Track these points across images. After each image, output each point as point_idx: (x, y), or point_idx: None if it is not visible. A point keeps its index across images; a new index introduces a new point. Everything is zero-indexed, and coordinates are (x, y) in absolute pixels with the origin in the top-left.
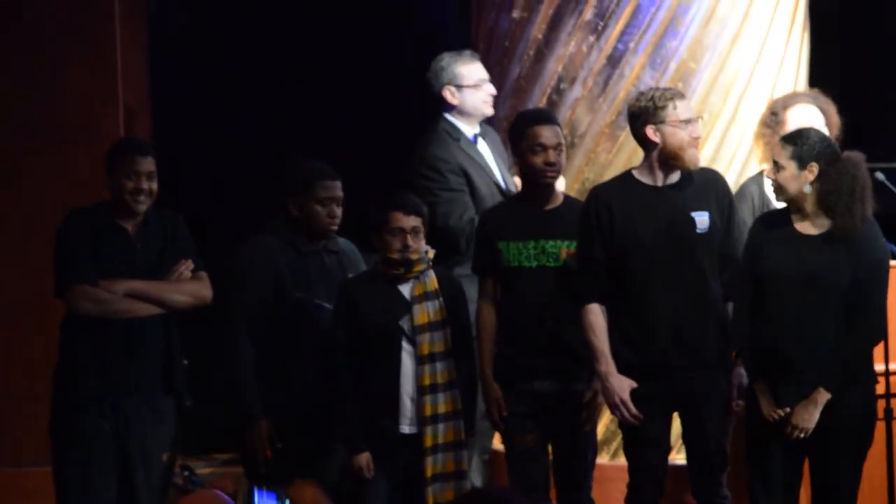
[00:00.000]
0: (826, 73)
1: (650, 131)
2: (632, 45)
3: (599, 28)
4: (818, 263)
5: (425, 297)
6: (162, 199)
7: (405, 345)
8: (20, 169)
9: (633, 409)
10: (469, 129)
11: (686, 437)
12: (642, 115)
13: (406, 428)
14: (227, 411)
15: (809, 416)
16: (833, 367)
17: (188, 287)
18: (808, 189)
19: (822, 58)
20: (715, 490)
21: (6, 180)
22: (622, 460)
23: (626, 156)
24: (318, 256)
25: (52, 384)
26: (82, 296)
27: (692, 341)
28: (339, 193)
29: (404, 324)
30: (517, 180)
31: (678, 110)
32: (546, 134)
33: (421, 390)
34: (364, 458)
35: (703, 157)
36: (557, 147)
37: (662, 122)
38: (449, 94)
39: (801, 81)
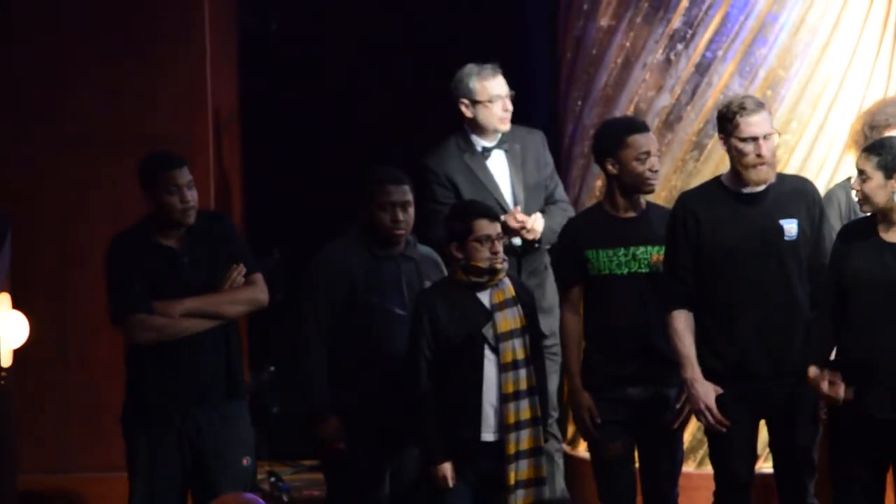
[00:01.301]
0: None
1: (722, 142)
2: (720, 53)
3: (688, 36)
4: None
5: (506, 304)
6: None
7: (487, 353)
8: (110, 176)
9: (718, 415)
10: (483, 141)
11: (773, 446)
12: (721, 123)
13: (488, 436)
14: (295, 410)
15: None
16: None
17: (242, 295)
18: None
19: None
20: (802, 498)
21: (97, 186)
22: (708, 468)
23: (714, 164)
24: (394, 262)
25: (122, 400)
26: (139, 327)
27: (778, 349)
28: (405, 198)
29: (486, 332)
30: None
31: (745, 125)
32: (648, 141)
33: (504, 398)
34: (447, 468)
35: (792, 166)
36: (657, 154)
37: (730, 135)
38: (463, 108)
39: (892, 90)
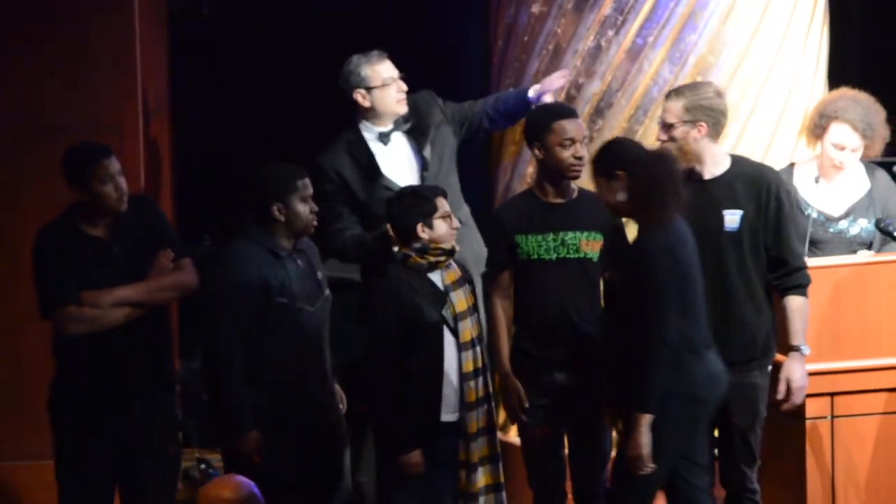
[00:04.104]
0: (845, 67)
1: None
2: (651, 39)
3: (618, 22)
4: None
5: (458, 283)
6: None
7: (446, 333)
8: (35, 166)
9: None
10: (380, 128)
11: (720, 431)
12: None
13: (446, 416)
14: (215, 419)
15: None
16: None
17: (171, 281)
18: (622, 196)
19: (841, 51)
20: (742, 483)
21: (22, 176)
22: None
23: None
24: (293, 259)
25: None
26: (69, 318)
27: (718, 337)
28: (312, 190)
29: (445, 312)
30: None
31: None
32: (574, 128)
33: (464, 377)
34: (417, 455)
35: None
36: (584, 140)
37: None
38: (360, 98)
39: (820, 76)
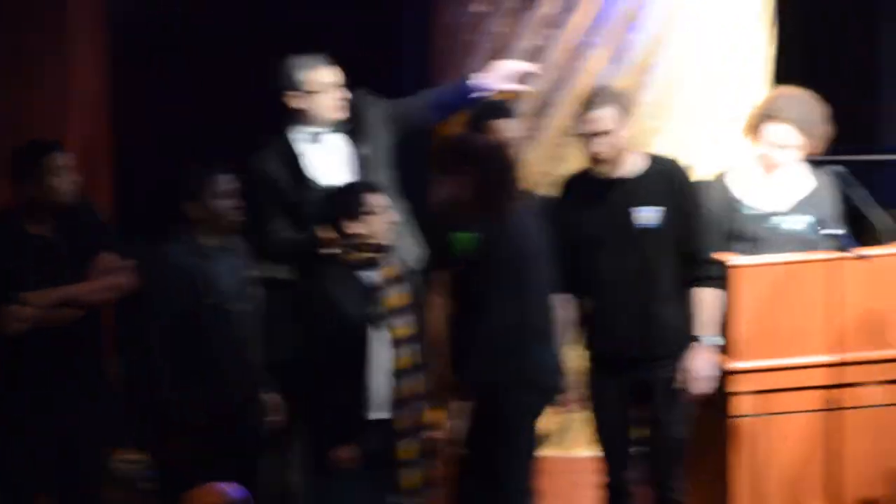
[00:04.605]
0: (790, 68)
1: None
2: (592, 38)
3: (560, 22)
4: None
5: (394, 280)
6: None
7: (377, 330)
8: None
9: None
10: (315, 128)
11: (645, 428)
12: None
13: (376, 413)
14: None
15: None
16: None
17: (110, 282)
18: (466, 191)
19: (787, 51)
20: (669, 480)
21: None
22: (571, 452)
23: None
24: (222, 257)
25: None
26: (10, 317)
27: (639, 334)
28: (235, 185)
29: (376, 309)
30: None
31: (584, 122)
32: (506, 128)
33: (395, 374)
34: (345, 452)
35: (663, 152)
36: (518, 140)
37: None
38: (293, 100)
39: (765, 76)
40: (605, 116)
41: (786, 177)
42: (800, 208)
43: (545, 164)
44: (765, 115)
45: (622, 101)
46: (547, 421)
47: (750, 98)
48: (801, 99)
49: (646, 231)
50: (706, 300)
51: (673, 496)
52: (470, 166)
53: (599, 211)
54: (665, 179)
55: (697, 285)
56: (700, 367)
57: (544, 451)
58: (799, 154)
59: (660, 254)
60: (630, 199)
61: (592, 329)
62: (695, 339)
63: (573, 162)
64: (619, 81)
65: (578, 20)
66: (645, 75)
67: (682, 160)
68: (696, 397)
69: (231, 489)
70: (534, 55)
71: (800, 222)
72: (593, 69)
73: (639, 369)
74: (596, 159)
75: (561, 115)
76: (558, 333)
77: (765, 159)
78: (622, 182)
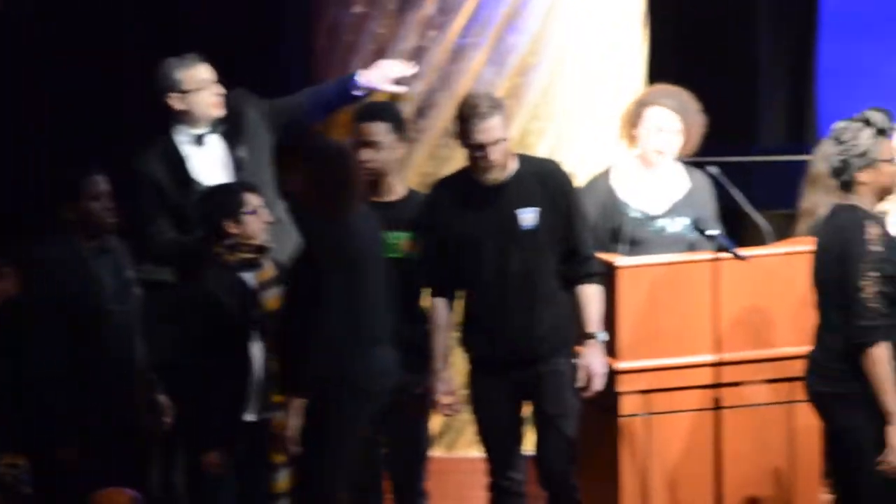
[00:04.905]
0: (664, 66)
1: (458, 140)
2: (473, 40)
3: (441, 23)
4: None
5: (270, 283)
6: None
7: (253, 332)
8: None
9: (453, 403)
10: (196, 130)
11: (534, 426)
12: (456, 121)
13: (249, 416)
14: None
15: None
16: None
17: None
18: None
19: (660, 52)
20: (561, 479)
21: None
22: (459, 453)
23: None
24: (100, 259)
25: None
26: None
27: (523, 335)
28: (109, 186)
29: (253, 311)
30: None
31: (474, 132)
32: (368, 131)
33: (270, 377)
34: (217, 455)
35: (543, 153)
36: (374, 145)
37: (461, 137)
38: (174, 101)
39: (640, 77)
40: (496, 125)
41: (664, 177)
42: (676, 210)
43: (427, 165)
44: (642, 103)
45: (503, 107)
46: (434, 422)
47: (629, 97)
48: (677, 90)
49: (525, 232)
50: (592, 297)
51: (567, 494)
52: (307, 167)
53: (477, 213)
54: (538, 180)
55: (581, 282)
56: (597, 363)
57: (433, 452)
58: (678, 140)
59: (539, 254)
60: (507, 201)
61: (474, 330)
62: (588, 336)
63: (455, 163)
64: (499, 82)
65: (459, 21)
66: (525, 76)
67: (558, 159)
68: (593, 394)
69: (132, 493)
70: (415, 56)
71: (678, 224)
72: (474, 70)
73: (524, 369)
74: (487, 167)
75: (442, 116)
76: (391, 336)
77: (645, 148)
78: (499, 185)
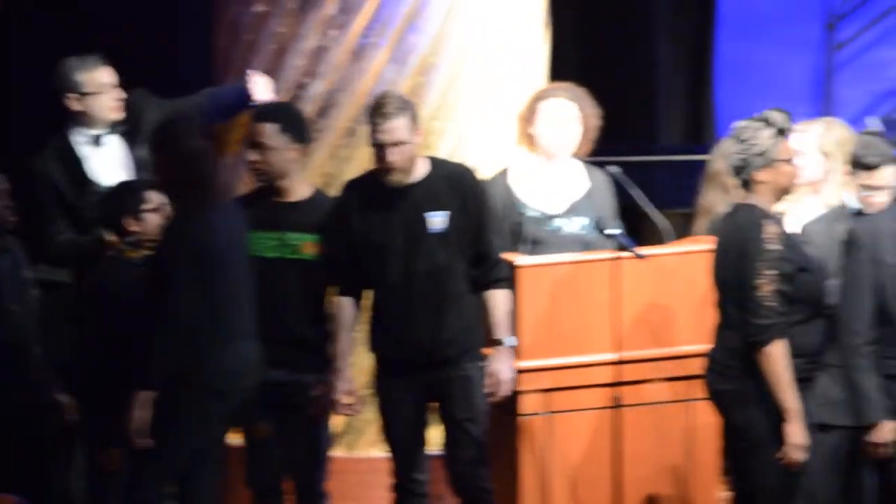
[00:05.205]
0: (564, 67)
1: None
2: (374, 39)
3: (341, 22)
4: None
5: None
6: None
7: None
8: None
9: (352, 403)
10: (94, 130)
11: (443, 430)
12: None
13: None
14: None
15: None
16: None
17: None
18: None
19: (560, 52)
20: (473, 483)
21: None
22: (359, 453)
23: (367, 150)
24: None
25: None
26: None
27: (430, 337)
28: (7, 185)
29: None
30: None
31: (377, 132)
32: (253, 130)
33: None
34: (116, 453)
35: (443, 153)
36: (262, 145)
37: (370, 135)
38: (72, 102)
39: (541, 76)
40: (399, 126)
41: (563, 177)
42: (576, 210)
43: (328, 165)
44: (536, 98)
45: (413, 109)
46: (336, 420)
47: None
48: (570, 84)
49: (434, 235)
50: (500, 302)
51: (479, 497)
52: (163, 163)
53: (386, 215)
54: (449, 183)
55: (490, 287)
56: (505, 368)
57: (334, 452)
58: (577, 130)
59: (448, 257)
60: (416, 204)
61: (381, 331)
62: (496, 341)
63: (357, 163)
64: (400, 82)
65: (360, 21)
66: (426, 76)
67: (466, 161)
68: (500, 399)
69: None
70: (316, 56)
71: (577, 224)
72: (375, 70)
73: (431, 371)
74: (389, 169)
75: (343, 116)
76: (253, 334)
77: (544, 143)
78: (408, 187)
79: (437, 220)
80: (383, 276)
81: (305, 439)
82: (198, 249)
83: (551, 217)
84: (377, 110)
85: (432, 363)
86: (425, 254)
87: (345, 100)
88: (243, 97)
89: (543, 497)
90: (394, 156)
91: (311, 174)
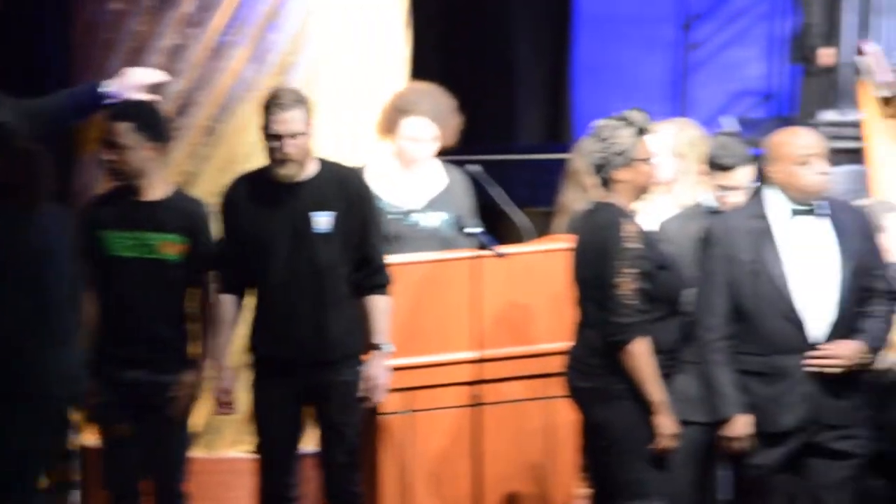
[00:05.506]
0: (425, 66)
1: (261, 134)
2: (233, 38)
3: (200, 21)
4: None
5: None
6: None
7: None
8: None
9: (228, 401)
10: None
11: (319, 433)
12: (261, 112)
13: None
14: None
15: None
16: None
17: None
18: None
19: (421, 52)
20: (345, 486)
21: None
22: (219, 453)
23: (228, 149)
24: None
25: None
26: None
27: (311, 339)
28: None
29: None
30: None
31: (272, 122)
32: (109, 131)
33: None
34: None
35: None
36: (115, 144)
37: (264, 128)
38: None
39: (402, 76)
40: (296, 118)
41: (420, 173)
42: (434, 205)
43: (187, 164)
44: (399, 110)
45: (308, 103)
46: (196, 421)
47: (389, 96)
48: (432, 92)
49: (320, 235)
50: (381, 307)
51: (348, 500)
52: None
53: (272, 214)
54: (338, 185)
55: (372, 293)
56: (381, 374)
57: (193, 452)
58: (434, 147)
59: (333, 259)
60: (304, 204)
61: (262, 331)
62: (375, 346)
63: (216, 162)
64: (260, 81)
65: (219, 19)
66: (286, 75)
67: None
68: (374, 404)
69: None
70: (174, 54)
71: (435, 219)
72: (235, 69)
73: (311, 374)
74: (284, 161)
75: (203, 114)
76: (75, 339)
77: (401, 154)
78: (295, 186)
79: (323, 220)
80: (267, 273)
81: (164, 440)
82: (25, 252)
83: (409, 212)
84: (274, 102)
85: (313, 364)
86: (309, 253)
87: (204, 98)
88: (98, 97)
89: (404, 495)
90: (290, 147)
91: (171, 173)
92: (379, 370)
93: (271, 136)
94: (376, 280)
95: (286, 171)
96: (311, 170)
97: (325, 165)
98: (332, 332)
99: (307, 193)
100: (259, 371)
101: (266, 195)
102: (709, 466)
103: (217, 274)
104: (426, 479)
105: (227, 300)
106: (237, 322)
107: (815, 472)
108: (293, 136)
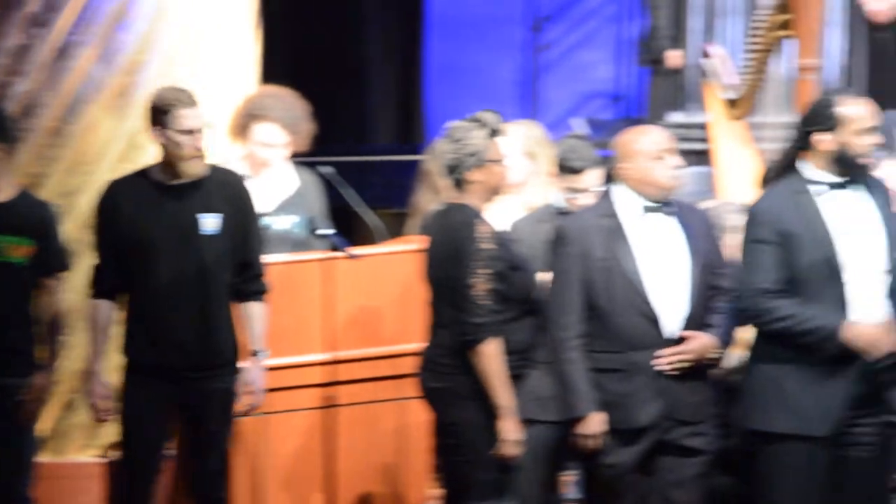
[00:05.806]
0: (276, 67)
1: (156, 133)
2: (80, 37)
3: (46, 20)
4: None
5: None
6: None
7: None
8: None
9: (106, 407)
10: None
11: (190, 436)
12: (156, 114)
13: None
14: None
15: None
16: None
17: None
18: None
19: (272, 53)
20: (212, 492)
21: None
22: (68, 458)
23: (74, 150)
24: None
25: None
26: None
27: (194, 343)
28: None
29: None
30: None
31: (184, 118)
32: None
33: None
34: None
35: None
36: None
37: (166, 126)
38: None
39: (252, 78)
40: (200, 113)
41: (272, 176)
42: (285, 208)
43: (34, 166)
44: (251, 115)
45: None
46: (43, 425)
47: (240, 98)
48: (284, 97)
49: (206, 238)
50: (259, 313)
51: None
52: None
53: (157, 215)
54: (223, 189)
55: (251, 299)
56: (259, 381)
57: (40, 456)
58: (286, 152)
59: (218, 262)
60: (191, 205)
61: (139, 336)
62: (253, 353)
63: (63, 163)
64: (109, 81)
65: (66, 18)
66: (135, 75)
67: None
68: (248, 410)
69: None
70: (20, 54)
71: (286, 222)
72: (82, 68)
73: (191, 379)
74: (194, 156)
75: (50, 115)
76: None
77: (252, 158)
78: (181, 187)
79: (211, 221)
80: (149, 276)
81: (10, 444)
82: None
83: (261, 215)
84: (177, 98)
85: (195, 369)
86: (196, 255)
87: (50, 99)
88: None
89: (254, 498)
90: (200, 142)
91: (17, 174)
92: (256, 376)
93: (183, 132)
94: (256, 286)
95: (196, 167)
96: (199, 171)
97: (211, 168)
98: (216, 337)
99: (194, 195)
100: (132, 377)
101: (150, 197)
102: (559, 466)
103: (91, 278)
104: (279, 482)
105: (101, 305)
106: (112, 327)
107: (665, 469)
108: (201, 130)
